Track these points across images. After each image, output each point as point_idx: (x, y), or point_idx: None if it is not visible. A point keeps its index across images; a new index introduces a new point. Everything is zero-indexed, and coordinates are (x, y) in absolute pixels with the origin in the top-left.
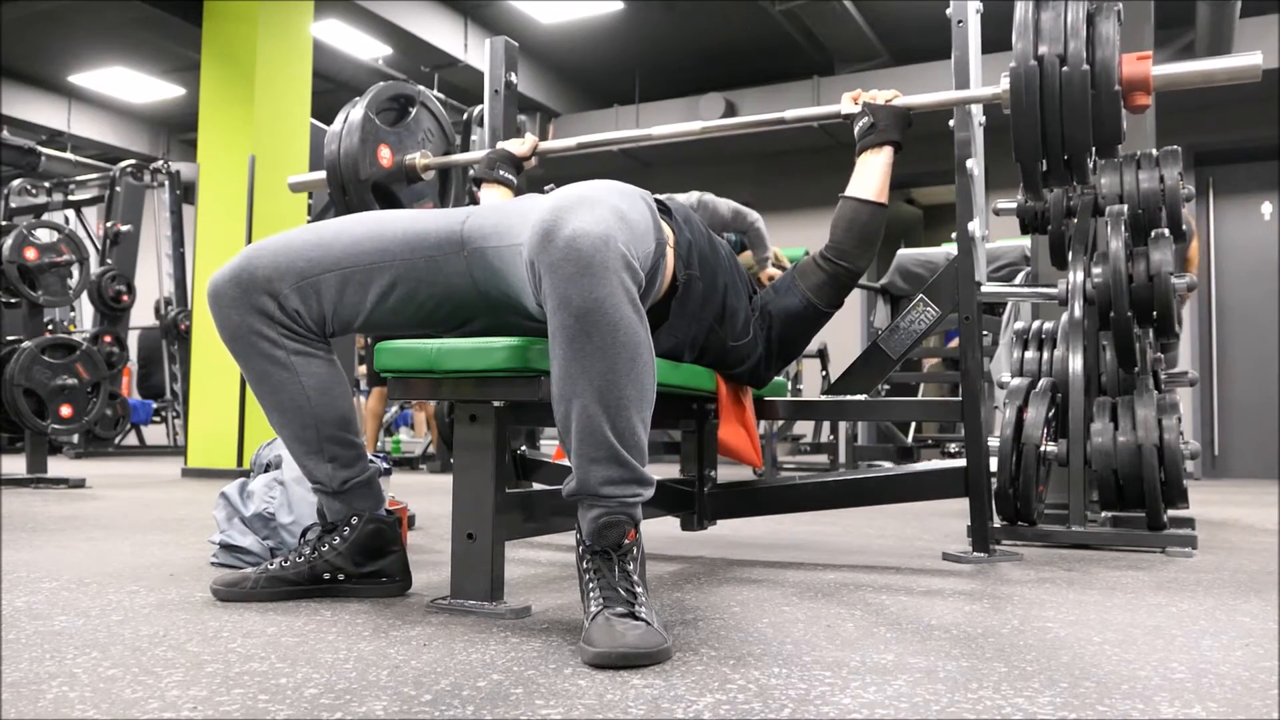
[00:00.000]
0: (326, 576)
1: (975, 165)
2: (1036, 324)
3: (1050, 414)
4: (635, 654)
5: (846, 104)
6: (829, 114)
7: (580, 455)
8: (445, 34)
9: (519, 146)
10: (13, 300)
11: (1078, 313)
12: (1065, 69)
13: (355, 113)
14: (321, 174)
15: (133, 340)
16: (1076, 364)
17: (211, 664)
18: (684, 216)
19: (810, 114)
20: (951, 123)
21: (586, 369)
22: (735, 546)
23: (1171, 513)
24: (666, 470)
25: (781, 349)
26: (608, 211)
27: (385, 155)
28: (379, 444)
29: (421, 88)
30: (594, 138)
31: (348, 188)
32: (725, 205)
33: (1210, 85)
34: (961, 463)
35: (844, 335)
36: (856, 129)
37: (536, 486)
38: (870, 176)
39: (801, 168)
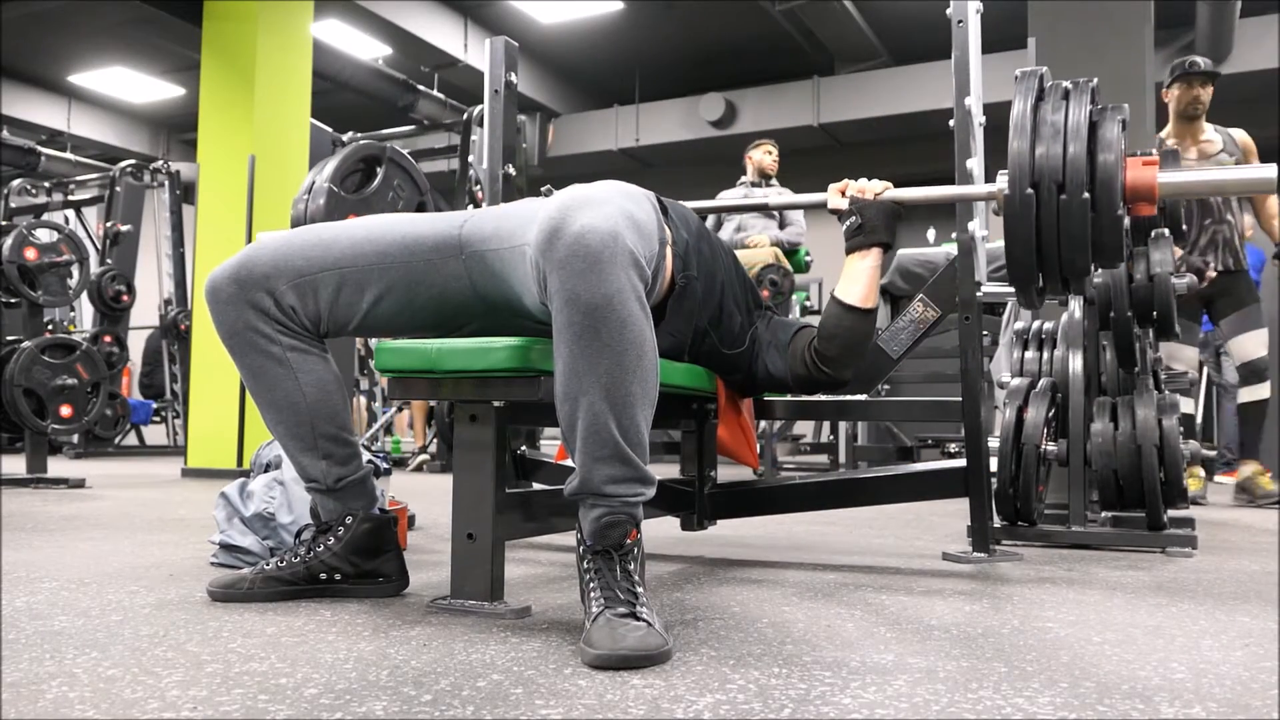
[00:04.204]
0: (323, 577)
1: (975, 165)
2: (1036, 324)
3: (1050, 414)
4: (636, 655)
5: (834, 197)
6: (815, 203)
7: (585, 453)
8: (445, 34)
9: None
10: (13, 300)
11: (1077, 313)
12: (1064, 197)
13: (320, 180)
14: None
15: (136, 340)
16: (1076, 364)
17: (211, 664)
18: (682, 217)
19: (796, 201)
20: (951, 123)
21: (594, 366)
22: (735, 546)
23: (1171, 513)
24: (666, 470)
25: (761, 381)
26: (615, 210)
27: None
28: (379, 444)
29: (388, 145)
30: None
31: None
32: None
33: (1220, 194)
34: (961, 463)
35: None
36: (844, 227)
37: (536, 486)
38: (856, 281)
39: (802, 168)
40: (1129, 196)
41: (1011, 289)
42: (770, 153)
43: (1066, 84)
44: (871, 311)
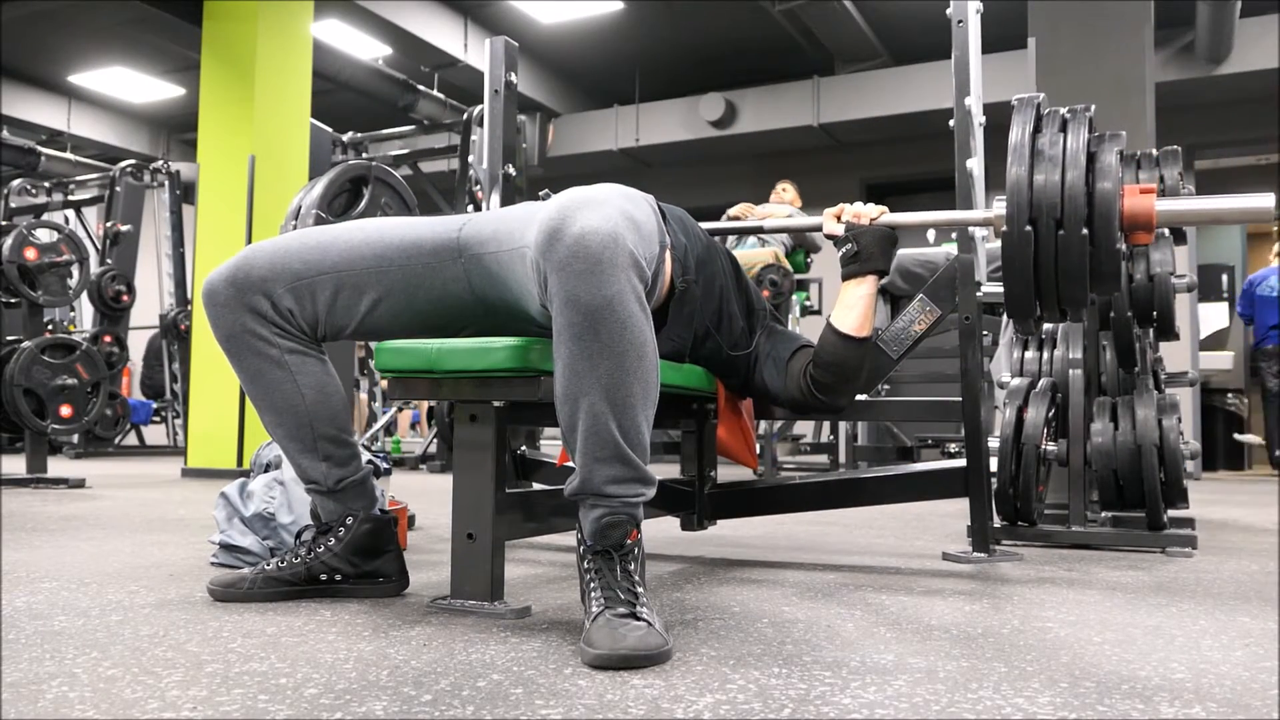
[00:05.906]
0: (323, 577)
1: (975, 165)
2: None
3: (1050, 414)
4: (636, 655)
5: (829, 222)
6: (810, 227)
7: (585, 454)
8: (445, 34)
9: None
10: (13, 300)
11: None
12: (1062, 232)
13: (307, 204)
14: None
15: (137, 341)
16: (1076, 364)
17: (211, 664)
18: (679, 220)
19: (791, 225)
20: (951, 123)
21: (594, 367)
22: (735, 546)
23: (1171, 513)
24: (666, 470)
25: (756, 391)
26: (615, 211)
27: None
28: (379, 444)
29: (374, 163)
30: None
31: None
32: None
33: (1218, 223)
34: (961, 463)
35: None
36: (840, 254)
37: (536, 486)
38: (852, 309)
39: (801, 168)
40: (1127, 225)
41: None
42: (785, 191)
43: (1064, 112)
44: (867, 339)
